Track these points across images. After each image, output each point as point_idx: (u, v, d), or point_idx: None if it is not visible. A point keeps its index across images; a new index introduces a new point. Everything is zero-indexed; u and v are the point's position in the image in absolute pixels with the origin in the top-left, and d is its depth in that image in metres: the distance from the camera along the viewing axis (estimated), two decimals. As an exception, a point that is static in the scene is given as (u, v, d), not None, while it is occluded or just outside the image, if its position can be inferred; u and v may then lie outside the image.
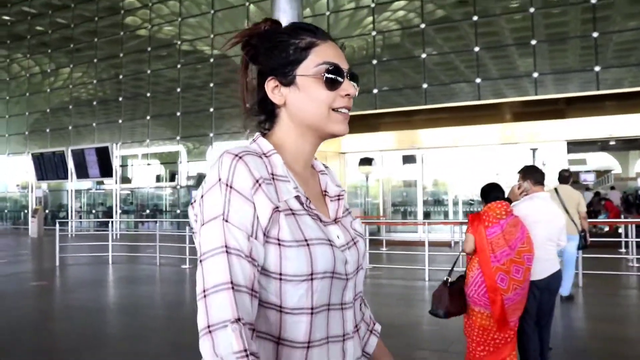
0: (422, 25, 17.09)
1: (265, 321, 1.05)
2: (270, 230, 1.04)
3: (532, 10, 15.68)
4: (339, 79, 1.13)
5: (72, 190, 22.07)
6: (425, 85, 16.86)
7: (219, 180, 1.03)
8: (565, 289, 7.65)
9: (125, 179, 23.90)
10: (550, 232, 4.32)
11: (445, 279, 3.95)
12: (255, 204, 1.02)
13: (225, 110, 21.27)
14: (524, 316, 4.06)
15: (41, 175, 22.07)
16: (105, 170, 19.94)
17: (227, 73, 21.45)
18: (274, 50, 1.16)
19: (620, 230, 13.49)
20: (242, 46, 1.19)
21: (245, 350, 0.94)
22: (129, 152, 24.05)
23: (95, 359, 5.14)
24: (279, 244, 1.04)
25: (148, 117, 22.79)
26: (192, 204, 1.09)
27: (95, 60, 24.69)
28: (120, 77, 23.74)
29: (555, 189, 7.64)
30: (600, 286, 9.05)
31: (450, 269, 4.06)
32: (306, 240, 1.06)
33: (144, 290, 9.48)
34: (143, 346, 5.66)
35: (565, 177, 7.70)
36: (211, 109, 21.36)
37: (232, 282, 0.98)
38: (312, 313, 1.06)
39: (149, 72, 22.81)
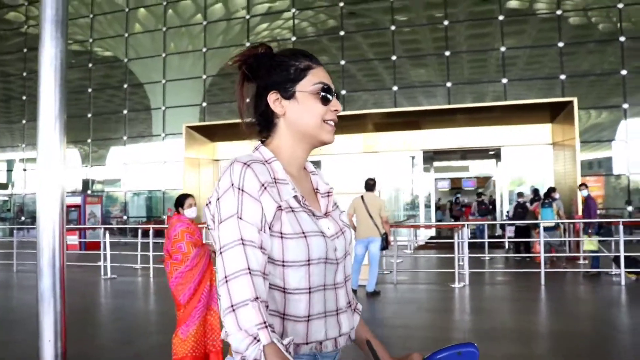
0: (293, 38, 18.20)
1: (272, 301, 1.29)
2: (274, 225, 1.28)
3: (392, 28, 17.16)
4: (330, 97, 1.41)
5: None
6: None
7: (232, 185, 1.26)
8: (370, 285, 8.76)
9: (1, 185, 23.38)
10: None
11: None
12: (262, 203, 1.26)
13: (105, 115, 21.49)
14: None
15: None
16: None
17: (101, 79, 21.68)
18: (276, 69, 1.40)
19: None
20: (239, 66, 1.43)
21: (264, 322, 1.17)
22: (5, 156, 23.54)
23: None
24: (282, 237, 1.28)
25: (24, 121, 22.49)
26: (207, 205, 1.33)
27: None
28: (-4, 79, 23.27)
29: (362, 197, 8.78)
30: (414, 281, 10.37)
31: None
32: (303, 232, 1.30)
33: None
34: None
35: (370, 185, 8.84)
36: (89, 114, 21.45)
37: (249, 268, 1.20)
38: (309, 292, 1.31)
39: (24, 74, 22.51)
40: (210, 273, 5.24)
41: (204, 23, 19.88)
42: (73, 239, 17.10)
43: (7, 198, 24.55)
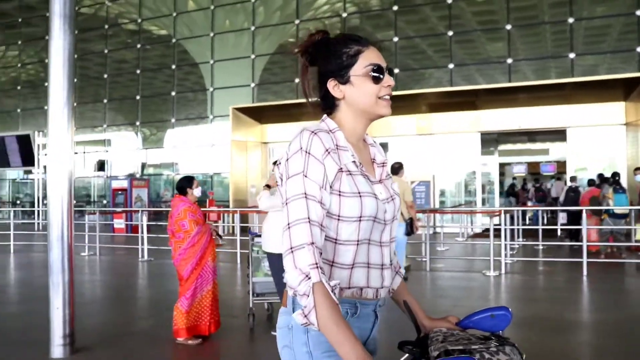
0: (344, 15, 18.76)
1: (324, 250, 1.58)
2: (334, 184, 1.57)
3: (449, 1, 17.44)
4: (381, 75, 1.67)
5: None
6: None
7: (301, 148, 1.57)
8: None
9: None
10: None
11: None
12: (325, 165, 1.56)
13: (154, 98, 22.87)
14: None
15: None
16: (28, 158, 21.27)
17: (156, 58, 22.97)
18: (331, 58, 1.69)
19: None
20: (302, 54, 1.73)
21: (316, 264, 1.47)
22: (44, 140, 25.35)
23: None
24: (340, 195, 1.58)
25: (75, 104, 24.12)
26: (277, 164, 1.70)
27: (19, 42, 26.09)
28: (46, 60, 24.86)
29: (387, 179, 9.33)
30: (449, 269, 10.84)
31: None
32: (359, 192, 1.60)
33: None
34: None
35: (395, 168, 9.38)
36: (137, 97, 22.88)
37: (309, 218, 1.51)
38: (357, 244, 1.61)
39: (75, 56, 24.13)
40: (212, 250, 6.05)
41: (253, 0, 20.74)
42: (120, 222, 18.54)
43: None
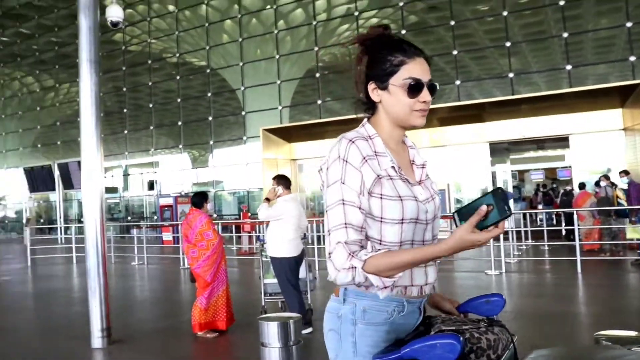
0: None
1: (371, 250, 1.55)
2: (375, 188, 1.55)
3: (452, 23, 17.66)
4: (419, 90, 1.60)
5: (60, 201, 24.81)
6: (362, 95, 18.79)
7: (339, 157, 1.55)
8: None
9: (111, 189, 26.25)
10: (298, 223, 6.32)
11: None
12: (363, 172, 1.54)
13: (196, 122, 23.62)
14: (287, 279, 6.10)
15: (32, 187, 24.67)
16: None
17: (197, 87, 23.72)
18: (377, 63, 1.64)
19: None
20: (360, 43, 1.68)
21: (350, 254, 1.49)
22: (114, 163, 26.39)
23: None
24: (381, 198, 1.55)
25: (126, 131, 25.23)
26: (319, 171, 1.62)
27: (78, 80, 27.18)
28: (101, 94, 26.00)
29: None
30: (456, 269, 10.98)
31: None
32: (400, 196, 1.57)
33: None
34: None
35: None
36: (179, 122, 23.67)
37: (345, 223, 1.51)
38: (400, 245, 1.58)
39: (124, 89, 25.25)
40: (224, 256, 6.47)
41: (275, 32, 21.35)
42: (168, 235, 19.16)
43: (118, 201, 27.43)
